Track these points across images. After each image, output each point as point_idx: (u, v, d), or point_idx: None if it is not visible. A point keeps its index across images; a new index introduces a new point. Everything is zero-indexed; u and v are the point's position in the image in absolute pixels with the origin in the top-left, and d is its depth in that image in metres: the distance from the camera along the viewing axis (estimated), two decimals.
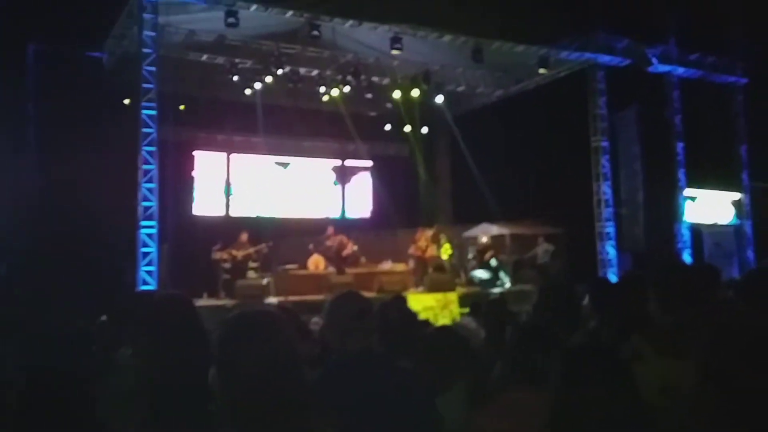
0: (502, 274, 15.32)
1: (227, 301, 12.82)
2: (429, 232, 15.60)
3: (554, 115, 15.58)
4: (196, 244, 14.89)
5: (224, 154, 17.93)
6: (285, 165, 18.88)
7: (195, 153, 17.54)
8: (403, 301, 7.69)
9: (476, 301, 6.60)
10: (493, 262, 15.50)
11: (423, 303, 12.62)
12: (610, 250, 15.58)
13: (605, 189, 15.76)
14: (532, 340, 2.48)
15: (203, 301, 12.81)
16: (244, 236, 14.14)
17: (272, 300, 12.91)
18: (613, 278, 13.40)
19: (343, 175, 19.78)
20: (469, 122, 17.77)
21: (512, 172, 16.66)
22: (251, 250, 14.07)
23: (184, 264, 13.90)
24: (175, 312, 1.99)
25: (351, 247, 14.80)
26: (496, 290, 13.96)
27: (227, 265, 13.97)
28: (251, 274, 14.28)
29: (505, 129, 16.54)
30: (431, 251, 15.24)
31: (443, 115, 18.11)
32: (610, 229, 15.71)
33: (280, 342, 1.67)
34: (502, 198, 16.78)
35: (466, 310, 11.45)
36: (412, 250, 15.19)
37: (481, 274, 14.83)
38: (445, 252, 15.63)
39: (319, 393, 2.02)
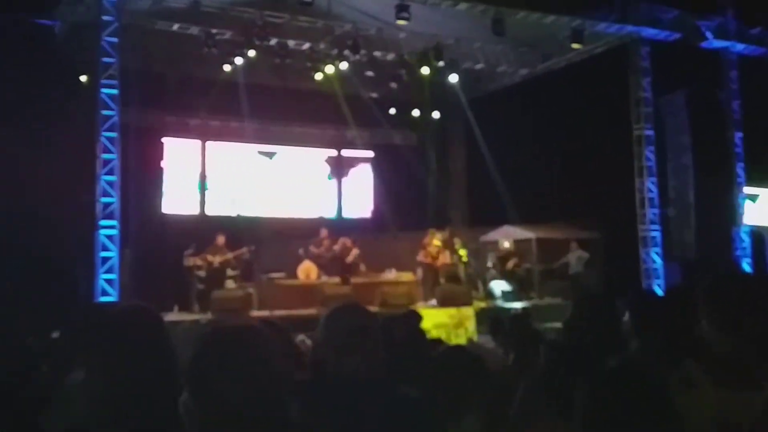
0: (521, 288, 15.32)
1: (202, 315, 12.83)
2: (441, 236, 15.61)
3: (589, 99, 15.59)
4: (166, 248, 14.90)
5: (199, 142, 17.96)
6: (270, 155, 18.90)
7: (164, 140, 17.58)
8: (415, 317, 7.70)
9: (497, 317, 6.60)
10: (518, 272, 15.51)
11: (434, 319, 12.59)
12: (655, 258, 15.57)
13: (649, 186, 15.76)
14: (563, 363, 2.47)
15: (173, 316, 12.81)
16: (220, 239, 14.17)
17: (255, 314, 12.92)
18: (658, 291, 13.37)
19: (340, 168, 19.81)
20: (489, 106, 17.78)
21: (539, 166, 16.68)
22: (230, 255, 14.10)
23: (151, 271, 13.89)
24: (139, 328, 1.98)
25: (355, 253, 14.77)
26: (517, 305, 13.97)
27: (202, 273, 13.98)
28: (230, 283, 14.29)
29: (531, 115, 16.55)
30: (443, 258, 15.25)
31: (458, 98, 18.12)
32: (655, 233, 15.70)
33: (265, 364, 1.66)
34: (527, 196, 16.79)
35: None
36: (420, 256, 15.20)
37: (501, 286, 14.84)
38: (460, 259, 15.64)
39: (311, 424, 2.01)
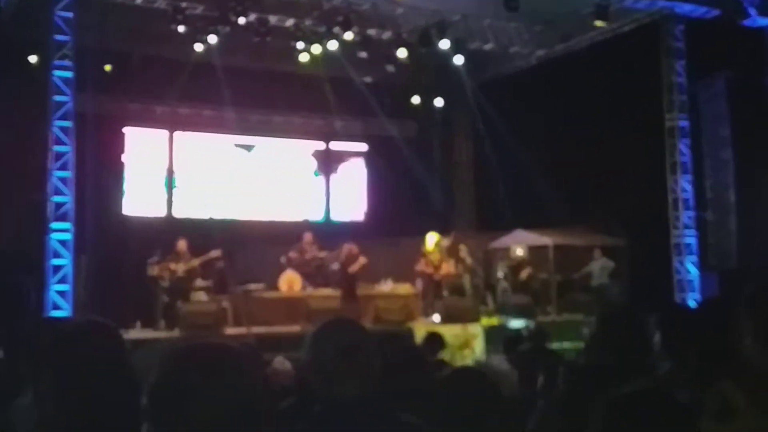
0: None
1: (168, 332, 12.81)
2: (444, 242, 15.61)
3: (614, 85, 15.60)
4: (127, 255, 14.89)
5: (166, 133, 17.96)
6: (249, 148, 18.90)
7: (126, 130, 17.57)
8: (408, 336, 7.72)
9: (511, 336, 6.62)
10: (533, 283, 15.52)
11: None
12: (690, 268, 15.60)
13: (684, 185, 15.79)
14: (582, 386, 2.47)
15: (136, 333, 12.78)
16: (182, 244, 14.08)
17: (230, 331, 12.91)
18: (692, 305, 13.39)
19: (328, 163, 19.82)
20: (499, 93, 17.81)
21: (557, 162, 16.68)
22: (195, 262, 14.05)
23: (110, 282, 13.87)
24: (96, 347, 1.97)
25: (362, 262, 14.59)
26: (519, 323, 14.00)
27: (166, 283, 13.96)
28: (201, 296, 14.27)
29: (548, 103, 16.57)
30: (447, 267, 15.25)
31: (464, 83, 18.15)
32: (689, 239, 15.74)
33: (242, 389, 1.65)
34: (543, 196, 16.78)
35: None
36: (420, 266, 15.19)
37: (515, 323, 14.71)
38: (466, 269, 15.64)
39: None
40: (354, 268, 14.41)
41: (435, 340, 7.89)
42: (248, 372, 1.70)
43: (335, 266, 15.20)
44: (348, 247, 14.72)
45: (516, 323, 14.25)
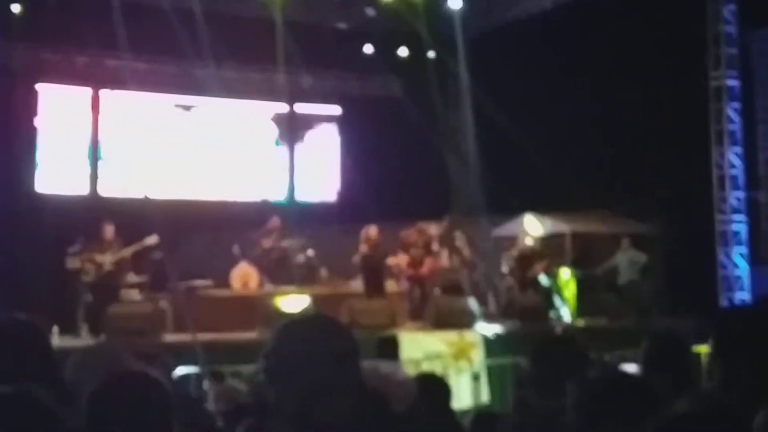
0: (557, 301, 15.40)
1: (92, 339, 12.74)
2: (436, 229, 15.62)
3: (647, 36, 15.63)
4: (41, 242, 14.77)
5: (89, 90, 17.80)
6: (192, 110, 18.79)
7: (39, 87, 17.39)
8: (389, 346, 7.74)
9: (551, 338, 6.68)
10: (543, 280, 15.55)
11: (424, 347, 12.59)
12: (739, 262, 15.72)
13: (731, 159, 15.89)
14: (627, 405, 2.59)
15: (52, 341, 12.69)
16: (108, 230, 13.97)
17: (170, 338, 12.87)
18: (742, 306, 13.52)
19: (292, 130, 19.75)
20: (506, 44, 17.76)
21: (576, 131, 16.71)
22: (127, 251, 13.97)
23: (19, 276, 13.78)
24: (20, 348, 1.99)
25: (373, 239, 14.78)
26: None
27: (89, 279, 13.87)
28: (133, 294, 14.19)
29: (565, 57, 16.57)
30: (438, 260, 15.28)
31: (462, 32, 18.12)
32: (738, 225, 15.86)
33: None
34: (559, 173, 16.80)
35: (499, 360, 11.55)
36: (397, 262, 15.21)
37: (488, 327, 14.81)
38: (464, 262, 15.68)
39: None
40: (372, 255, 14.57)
41: (388, 346, 7.90)
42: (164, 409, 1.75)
43: (301, 258, 15.22)
44: (368, 232, 14.72)
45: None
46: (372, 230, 14.84)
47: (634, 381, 2.67)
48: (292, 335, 2.26)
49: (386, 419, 2.30)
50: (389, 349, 7.87)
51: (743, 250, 15.82)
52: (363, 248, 14.73)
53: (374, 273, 14.68)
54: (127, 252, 14.01)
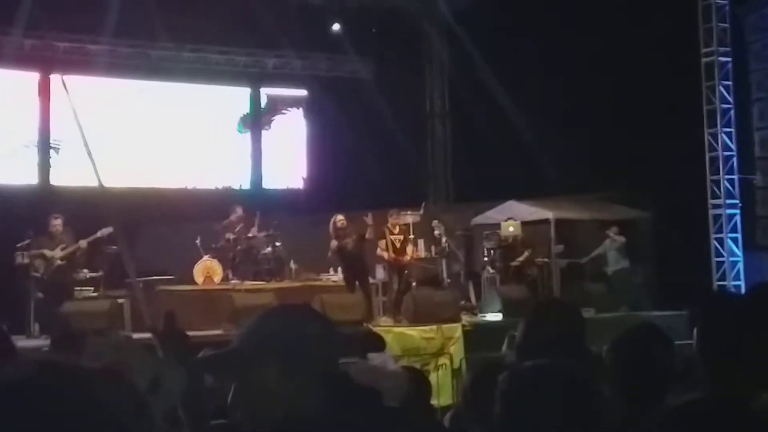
0: None
1: (44, 340, 12.69)
2: (411, 218, 15.64)
3: (633, 12, 15.67)
4: None
5: (36, 75, 17.75)
6: (150, 95, 18.74)
7: None
8: (371, 341, 7.79)
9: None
10: (529, 270, 15.63)
11: (402, 342, 12.65)
12: (733, 247, 15.87)
13: (724, 140, 15.98)
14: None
15: None
16: (55, 223, 13.85)
17: (127, 335, 12.85)
18: (736, 294, 13.65)
19: (257, 115, 19.76)
20: (485, 19, 17.77)
21: (559, 112, 16.76)
22: (80, 243, 13.90)
23: None
24: None
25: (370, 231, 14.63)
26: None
27: (40, 274, 13.81)
28: (87, 291, 14.13)
29: (548, 32, 16.59)
30: (414, 251, 15.30)
31: (439, 6, 18.14)
32: (731, 210, 15.98)
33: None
34: (542, 157, 16.87)
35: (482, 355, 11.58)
36: (380, 248, 15.23)
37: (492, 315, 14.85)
38: (442, 252, 15.71)
39: None
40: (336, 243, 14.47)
41: (372, 341, 7.97)
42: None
43: (268, 250, 15.19)
44: (332, 220, 14.61)
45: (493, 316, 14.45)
46: (339, 219, 14.73)
47: (564, 373, 2.68)
48: (270, 322, 2.29)
49: (378, 414, 2.33)
50: (375, 345, 7.93)
51: (737, 236, 15.91)
52: (333, 243, 14.65)
53: (354, 264, 14.60)
54: (79, 246, 13.93)
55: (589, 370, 3.65)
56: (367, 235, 14.45)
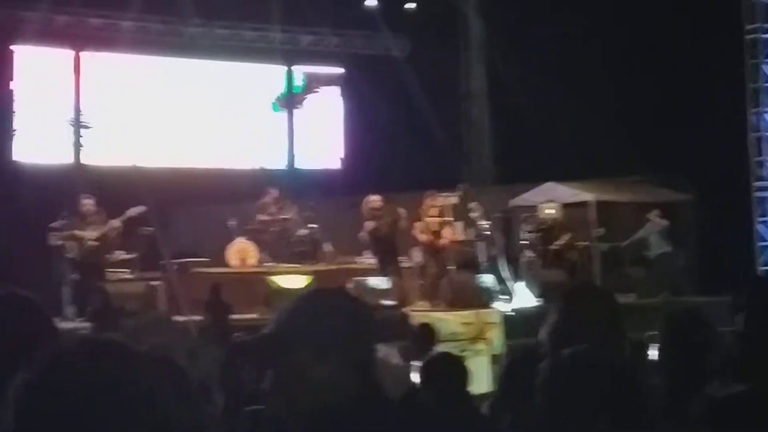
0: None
1: (80, 322, 12.78)
2: (449, 200, 15.59)
3: None
4: (21, 217, 14.80)
5: (70, 53, 17.77)
6: (183, 73, 18.76)
7: (15, 49, 17.37)
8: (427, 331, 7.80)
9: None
10: (569, 254, 15.56)
11: (438, 328, 12.59)
12: None
13: None
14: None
15: None
16: (87, 203, 13.93)
17: (164, 314, 12.91)
18: None
19: (292, 93, 19.72)
20: None
21: (600, 92, 16.63)
22: (113, 223, 13.93)
23: None
24: (17, 324, 2.03)
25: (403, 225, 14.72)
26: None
27: (74, 256, 13.88)
28: (122, 272, 14.20)
29: (588, 10, 16.46)
30: (452, 233, 15.26)
31: None
32: None
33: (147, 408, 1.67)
34: (582, 138, 16.78)
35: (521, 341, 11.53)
36: (416, 231, 15.20)
37: (487, 279, 14.76)
38: (480, 235, 15.66)
39: None
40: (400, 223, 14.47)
41: (425, 333, 7.98)
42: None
43: (303, 232, 15.20)
44: (366, 201, 14.63)
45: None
46: (374, 200, 14.75)
47: (609, 363, 2.65)
48: (306, 307, 2.31)
49: (380, 407, 2.36)
50: (426, 335, 7.97)
51: None
52: (369, 224, 14.62)
53: (385, 248, 14.60)
54: (111, 226, 13.98)
55: (628, 357, 3.65)
56: (399, 225, 14.47)
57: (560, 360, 2.67)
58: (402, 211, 14.52)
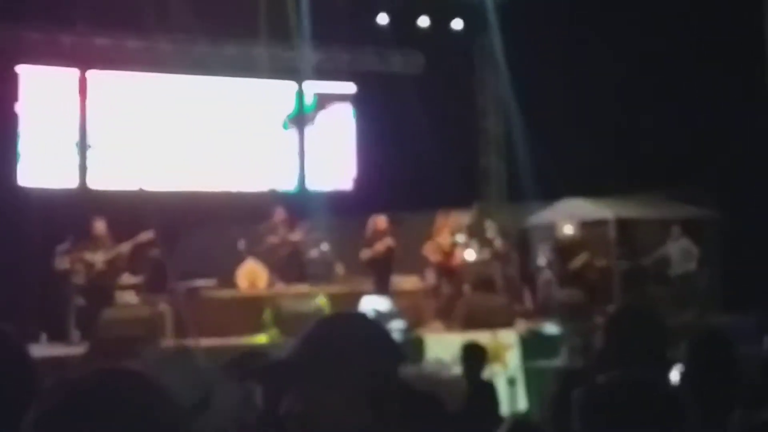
0: None
1: (84, 347, 12.77)
2: (462, 219, 15.56)
3: None
4: (26, 241, 14.81)
5: (76, 72, 17.81)
6: (191, 92, 18.81)
7: (20, 69, 17.42)
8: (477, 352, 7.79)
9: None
10: (589, 273, 15.49)
11: (452, 349, 12.54)
12: None
13: None
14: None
15: (41, 349, 12.72)
16: (99, 226, 14.05)
17: (170, 344, 12.87)
18: None
19: (302, 111, 19.71)
20: (540, 10, 17.64)
21: (618, 104, 16.61)
22: (122, 248, 14.02)
23: (2, 278, 13.77)
24: None
25: (386, 243, 14.79)
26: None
27: (80, 281, 13.92)
28: (128, 297, 14.24)
29: (606, 19, 16.45)
30: (465, 253, 15.24)
31: None
32: None
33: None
34: (601, 153, 16.76)
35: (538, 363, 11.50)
36: (428, 250, 15.21)
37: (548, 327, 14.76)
38: (495, 254, 15.63)
39: None
40: (376, 249, 14.62)
41: (475, 354, 7.99)
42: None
43: (315, 253, 15.21)
44: (374, 221, 14.77)
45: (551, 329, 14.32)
46: (380, 221, 14.91)
47: (652, 388, 2.64)
48: (325, 331, 2.32)
49: (440, 420, 2.43)
50: (475, 356, 7.96)
51: None
52: (379, 245, 14.73)
53: (384, 269, 14.70)
54: (121, 250, 14.04)
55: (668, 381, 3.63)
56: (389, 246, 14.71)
57: (596, 385, 2.69)
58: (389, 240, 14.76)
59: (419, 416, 2.42)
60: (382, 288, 14.48)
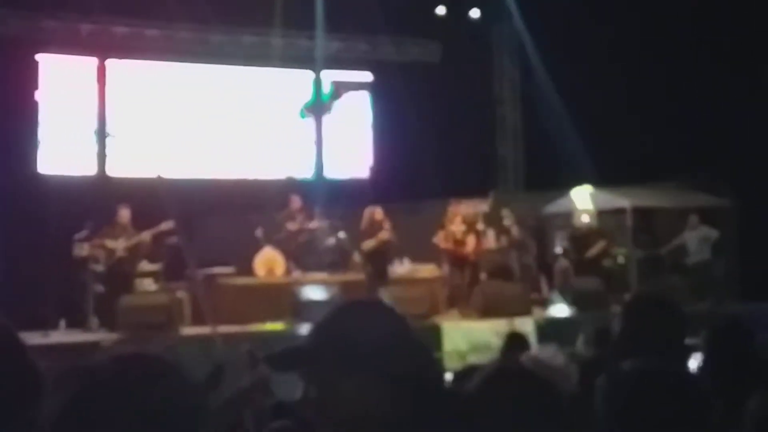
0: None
1: (104, 334, 12.84)
2: (480, 207, 15.55)
3: None
4: (45, 228, 14.89)
5: (95, 60, 17.86)
6: (209, 80, 18.81)
7: (40, 58, 17.45)
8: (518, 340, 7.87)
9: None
10: (606, 262, 15.48)
11: (470, 337, 12.61)
12: None
13: None
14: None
15: (59, 335, 12.82)
16: (123, 214, 14.08)
17: (188, 331, 12.94)
18: None
19: (320, 100, 19.71)
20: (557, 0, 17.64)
21: (635, 93, 16.56)
22: (143, 236, 14.05)
23: (22, 265, 13.89)
24: None
25: (381, 237, 14.85)
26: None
27: (100, 268, 13.98)
28: (147, 284, 14.30)
29: (623, 8, 16.40)
30: (482, 241, 15.23)
31: None
32: None
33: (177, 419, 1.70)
34: (617, 142, 16.70)
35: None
36: (439, 239, 15.22)
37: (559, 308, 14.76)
38: (512, 243, 15.62)
39: None
40: (382, 236, 14.70)
41: (517, 342, 8.08)
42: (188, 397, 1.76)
43: (332, 241, 15.23)
44: (370, 212, 14.81)
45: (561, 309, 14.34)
46: (377, 212, 15.00)
47: (676, 377, 2.64)
48: (343, 318, 2.31)
49: (556, 404, 2.48)
50: (519, 345, 8.04)
51: None
52: (383, 234, 14.83)
53: (381, 259, 14.79)
54: (142, 237, 14.07)
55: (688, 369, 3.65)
56: (387, 237, 14.81)
57: (619, 373, 2.67)
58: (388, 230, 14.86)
59: (537, 401, 2.46)
60: (379, 279, 14.52)
